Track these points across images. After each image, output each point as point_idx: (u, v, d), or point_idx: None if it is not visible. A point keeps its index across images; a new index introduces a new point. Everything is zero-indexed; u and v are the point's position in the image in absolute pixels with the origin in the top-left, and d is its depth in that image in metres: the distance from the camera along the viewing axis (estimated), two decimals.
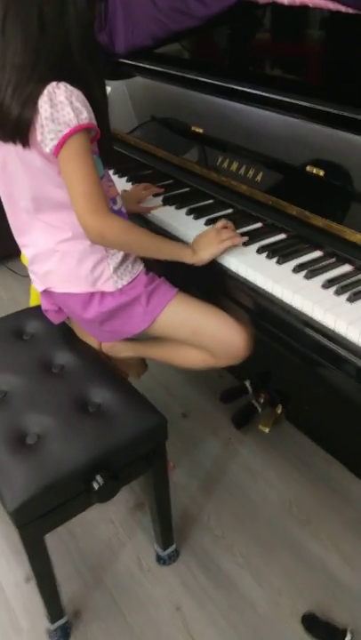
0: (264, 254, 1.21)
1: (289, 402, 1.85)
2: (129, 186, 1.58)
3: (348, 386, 1.02)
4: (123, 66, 1.83)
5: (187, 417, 1.94)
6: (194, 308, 1.29)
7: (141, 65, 1.75)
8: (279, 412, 1.83)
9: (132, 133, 1.74)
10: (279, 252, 1.20)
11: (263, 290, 1.14)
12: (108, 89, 1.81)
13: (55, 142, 1.03)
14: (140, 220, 1.44)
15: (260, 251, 1.22)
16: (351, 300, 1.05)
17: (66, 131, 1.02)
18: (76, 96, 1.03)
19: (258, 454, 1.80)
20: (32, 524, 1.11)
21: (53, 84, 1.01)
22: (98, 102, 1.09)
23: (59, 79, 1.02)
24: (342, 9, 1.12)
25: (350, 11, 1.12)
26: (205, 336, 1.28)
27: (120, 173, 1.64)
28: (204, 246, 1.22)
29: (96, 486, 1.12)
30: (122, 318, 1.27)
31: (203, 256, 1.22)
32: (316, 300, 1.05)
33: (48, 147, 1.04)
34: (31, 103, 1.01)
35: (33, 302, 1.75)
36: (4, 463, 1.13)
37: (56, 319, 1.40)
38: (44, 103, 1.01)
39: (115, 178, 1.60)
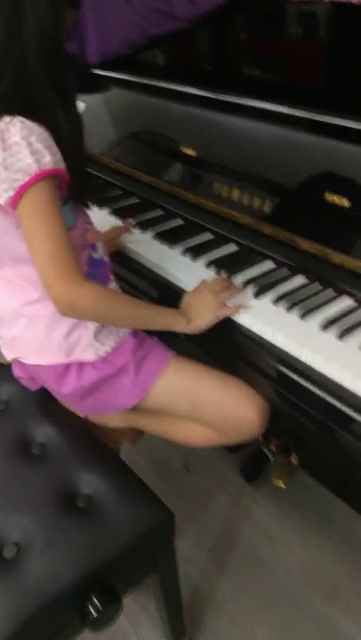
0: (283, 306, 0.99)
1: (303, 447, 1.63)
2: (112, 220, 1.35)
3: None
4: (97, 78, 1.60)
5: (189, 470, 1.72)
6: (194, 375, 1.06)
7: (119, 77, 1.53)
8: (294, 461, 1.61)
9: (112, 155, 1.51)
10: (302, 303, 0.98)
11: (286, 354, 0.92)
12: (82, 105, 1.59)
13: (11, 194, 0.81)
14: (127, 264, 1.22)
15: (277, 301, 1.00)
16: None
17: (24, 180, 0.80)
18: (37, 134, 0.80)
19: (273, 513, 1.58)
20: None
21: (6, 118, 0.79)
22: (66, 140, 0.86)
23: (12, 111, 0.79)
24: None
25: None
26: (208, 410, 1.06)
27: (99, 204, 1.41)
28: (200, 313, 1.00)
29: (92, 614, 0.89)
30: (107, 392, 1.05)
31: (199, 325, 1.00)
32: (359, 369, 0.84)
33: (2, 198, 0.82)
34: None
35: None
36: None
37: (31, 387, 1.17)
38: None
39: (93, 210, 1.37)
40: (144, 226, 1.28)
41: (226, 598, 1.40)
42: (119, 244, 1.25)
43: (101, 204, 1.41)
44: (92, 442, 1.13)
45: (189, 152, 1.29)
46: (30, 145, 0.79)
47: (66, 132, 0.86)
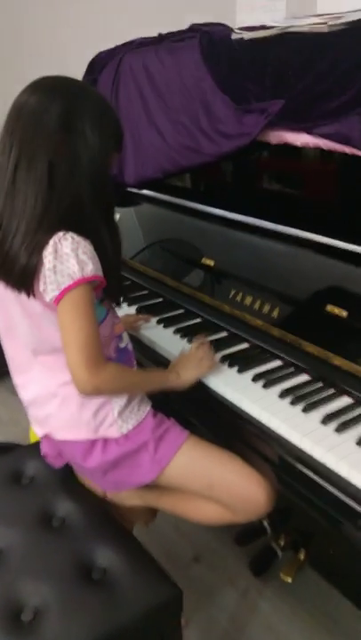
0: (288, 399, 1.11)
1: (311, 544, 1.67)
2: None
3: None
4: (131, 195, 1.85)
5: (198, 561, 1.75)
6: (208, 455, 1.17)
7: (150, 195, 1.76)
8: (302, 557, 1.64)
9: (141, 260, 1.71)
10: (305, 399, 1.11)
11: (289, 443, 1.03)
12: (117, 216, 1.82)
13: (56, 293, 0.98)
14: (148, 354, 1.37)
15: (283, 395, 1.13)
16: None
17: (68, 283, 0.97)
18: (83, 247, 0.98)
19: (280, 609, 1.60)
20: None
21: (60, 234, 0.97)
22: (108, 253, 1.04)
23: (67, 228, 0.98)
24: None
25: None
26: (221, 489, 1.15)
27: (128, 302, 1.59)
28: (186, 367, 1.20)
29: None
30: (127, 467, 1.16)
31: (188, 376, 1.19)
32: (354, 460, 0.94)
33: (49, 296, 0.99)
34: (37, 253, 0.96)
35: (33, 437, 1.63)
36: None
37: (56, 464, 1.28)
38: (48, 254, 0.96)
39: (122, 307, 1.55)
40: (167, 322, 1.45)
41: None
42: (135, 328, 1.45)
43: (129, 302, 1.59)
44: (108, 519, 1.22)
45: (209, 261, 1.48)
46: (77, 256, 0.97)
47: (108, 245, 1.05)
